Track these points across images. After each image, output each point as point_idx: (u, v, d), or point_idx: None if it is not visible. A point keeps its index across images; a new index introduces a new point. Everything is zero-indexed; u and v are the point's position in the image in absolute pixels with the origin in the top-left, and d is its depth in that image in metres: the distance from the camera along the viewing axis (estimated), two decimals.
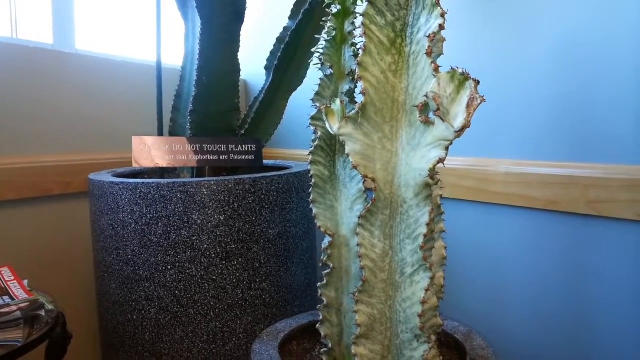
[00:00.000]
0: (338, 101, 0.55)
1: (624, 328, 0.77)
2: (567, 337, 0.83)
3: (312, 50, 0.65)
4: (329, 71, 0.64)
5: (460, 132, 0.48)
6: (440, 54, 0.55)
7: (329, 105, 0.55)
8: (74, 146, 1.04)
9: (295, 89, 0.96)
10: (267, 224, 0.80)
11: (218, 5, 0.84)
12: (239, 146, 0.84)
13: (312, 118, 0.63)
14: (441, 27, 0.51)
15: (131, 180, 0.76)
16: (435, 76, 0.51)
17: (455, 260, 0.94)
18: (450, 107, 0.48)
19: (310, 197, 0.63)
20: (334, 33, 0.64)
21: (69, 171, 1.00)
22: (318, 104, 0.64)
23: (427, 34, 0.52)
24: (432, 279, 0.53)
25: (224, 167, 0.87)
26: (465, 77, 0.47)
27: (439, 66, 0.51)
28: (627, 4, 0.75)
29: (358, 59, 0.54)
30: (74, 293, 1.03)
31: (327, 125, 0.56)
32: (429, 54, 0.51)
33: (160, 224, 0.74)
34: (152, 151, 0.79)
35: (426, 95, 0.50)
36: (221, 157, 0.83)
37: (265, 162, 1.07)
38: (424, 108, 0.52)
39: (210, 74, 0.85)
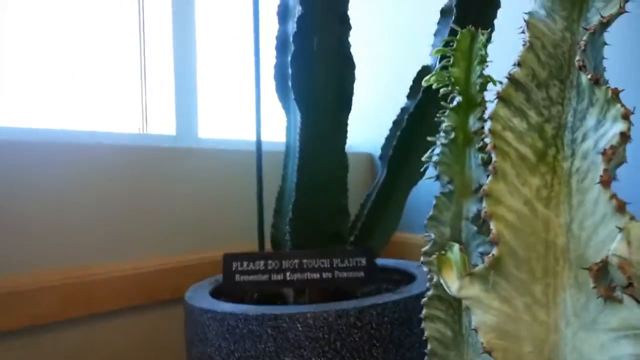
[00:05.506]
0: (456, 248, 0.37)
1: None
2: None
3: (423, 159, 0.49)
4: (448, 187, 0.47)
5: None
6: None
7: (443, 253, 0.38)
8: (191, 244, 0.99)
9: (416, 184, 0.79)
10: None
11: (320, 95, 0.72)
12: (345, 260, 0.69)
13: (425, 254, 0.46)
14: (624, 137, 0.31)
15: (219, 309, 0.65)
16: (616, 215, 0.31)
17: None
18: None
19: None
20: (452, 134, 0.47)
21: (183, 273, 0.94)
22: (432, 234, 0.46)
23: (601, 149, 0.32)
24: None
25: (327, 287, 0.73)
26: None
27: (625, 203, 0.31)
28: None
29: (485, 186, 0.36)
30: None
31: (443, 283, 0.38)
32: (605, 182, 0.31)
33: None
34: (244, 270, 0.68)
35: (606, 259, 0.30)
36: (323, 276, 0.68)
37: (383, 261, 0.90)
38: (602, 273, 0.31)
39: (312, 174, 0.73)
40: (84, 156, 0.86)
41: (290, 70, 0.69)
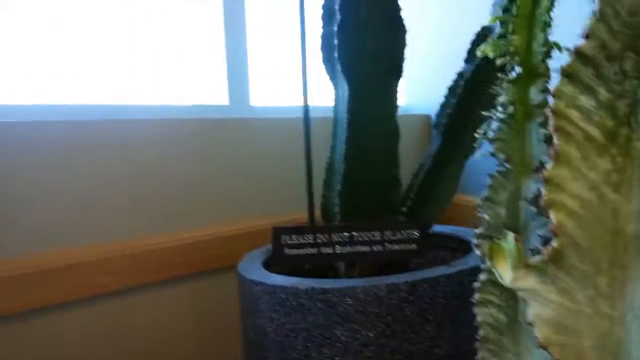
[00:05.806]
0: (511, 237, 0.35)
1: None
2: None
3: (477, 135, 0.46)
4: (504, 165, 0.44)
5: None
6: None
7: (496, 242, 0.36)
8: (245, 213, 1.01)
9: (473, 153, 0.75)
10: (433, 342, 0.62)
11: (367, 66, 0.69)
12: (397, 233, 0.68)
13: (479, 236, 0.44)
14: None
15: (270, 282, 0.66)
16: None
17: None
18: None
19: (478, 356, 0.43)
20: (511, 109, 0.44)
21: (237, 241, 0.96)
22: (487, 216, 0.44)
23: None
24: None
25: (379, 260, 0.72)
26: None
27: None
28: None
29: (545, 172, 0.33)
30: None
31: (495, 273, 0.36)
32: None
33: (300, 337, 0.63)
34: (293, 244, 0.68)
35: None
36: (374, 248, 0.67)
37: (439, 228, 0.88)
38: None
39: (361, 145, 0.71)
40: (137, 131, 0.88)
41: (336, 41, 0.67)
